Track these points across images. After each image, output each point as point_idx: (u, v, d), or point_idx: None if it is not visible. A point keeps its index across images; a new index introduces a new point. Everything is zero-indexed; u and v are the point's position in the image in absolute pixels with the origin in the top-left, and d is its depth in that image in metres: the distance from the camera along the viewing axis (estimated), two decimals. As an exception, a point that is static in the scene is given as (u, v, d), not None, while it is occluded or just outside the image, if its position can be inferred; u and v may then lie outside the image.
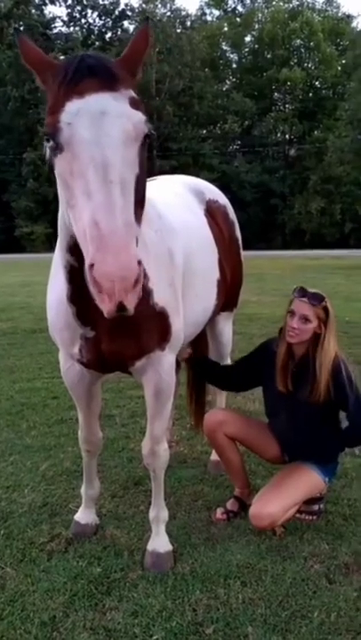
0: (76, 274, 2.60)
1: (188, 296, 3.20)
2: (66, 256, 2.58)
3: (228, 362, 4.44)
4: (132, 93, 2.11)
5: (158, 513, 3.41)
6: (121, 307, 1.87)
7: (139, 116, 2.06)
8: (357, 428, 3.52)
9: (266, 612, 2.91)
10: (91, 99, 2.00)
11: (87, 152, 1.94)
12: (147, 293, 2.76)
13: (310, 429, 3.59)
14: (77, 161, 1.95)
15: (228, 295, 4.09)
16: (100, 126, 1.96)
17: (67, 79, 2.05)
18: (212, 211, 3.94)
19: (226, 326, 4.37)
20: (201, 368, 4.22)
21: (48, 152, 2.09)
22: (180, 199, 3.67)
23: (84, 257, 1.96)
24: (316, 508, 3.80)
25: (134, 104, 2.08)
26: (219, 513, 3.82)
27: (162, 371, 3.02)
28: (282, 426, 3.78)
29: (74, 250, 2.47)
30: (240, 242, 4.35)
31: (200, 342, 4.48)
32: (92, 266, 1.87)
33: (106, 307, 1.89)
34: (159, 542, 3.36)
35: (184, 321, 3.14)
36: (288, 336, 3.49)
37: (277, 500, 3.45)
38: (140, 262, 1.89)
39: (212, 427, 3.81)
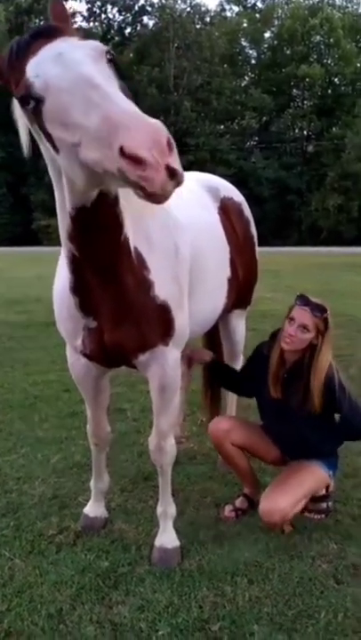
0: (77, 263, 2.61)
1: (195, 293, 3.19)
2: (67, 244, 2.57)
3: (241, 359, 4.43)
4: (78, 38, 2.13)
5: (166, 509, 3.42)
6: (171, 171, 1.74)
7: (91, 41, 2.09)
8: (351, 430, 3.53)
9: (272, 610, 2.91)
10: (44, 50, 2.02)
11: (66, 80, 1.91)
12: (148, 284, 2.78)
13: (304, 434, 3.58)
14: (62, 93, 1.91)
15: (241, 293, 4.07)
16: (64, 60, 1.96)
17: (18, 53, 2.08)
18: (226, 208, 3.92)
19: (239, 324, 4.36)
20: (216, 372, 4.22)
21: (32, 125, 2.12)
22: (192, 196, 3.65)
23: (109, 167, 1.81)
24: (324, 506, 3.78)
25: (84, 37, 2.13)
26: (227, 510, 3.82)
27: (166, 366, 3.02)
28: (276, 430, 3.78)
29: (74, 236, 2.49)
30: (255, 239, 4.32)
31: (213, 340, 4.49)
32: (122, 150, 1.73)
33: (157, 179, 1.73)
34: (167, 538, 3.37)
35: (191, 318, 3.13)
36: (284, 342, 3.47)
37: (285, 496, 3.44)
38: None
39: (219, 437, 3.80)
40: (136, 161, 1.71)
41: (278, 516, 3.41)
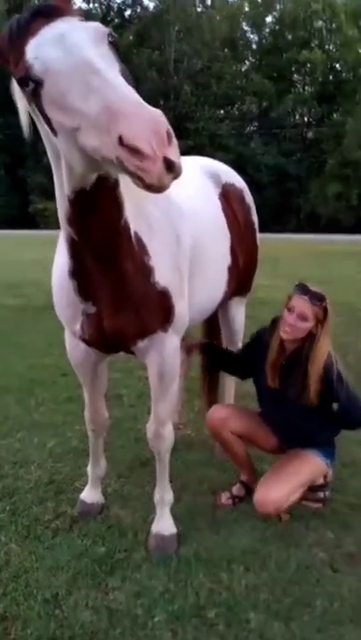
0: (77, 247, 2.58)
1: (195, 281, 3.17)
2: (67, 228, 2.54)
3: (240, 346, 4.41)
4: (79, 18, 2.08)
5: (163, 495, 3.41)
6: (169, 163, 1.73)
7: (93, 23, 2.04)
8: (348, 420, 3.52)
9: (269, 598, 2.91)
10: (44, 31, 1.97)
11: (66, 63, 1.87)
12: (147, 270, 2.76)
13: (301, 423, 3.57)
14: (61, 77, 1.88)
15: (241, 280, 4.04)
16: (64, 42, 1.91)
17: (18, 33, 2.03)
18: (227, 194, 3.88)
19: (238, 312, 4.33)
20: (212, 354, 4.20)
21: (31, 107, 2.09)
22: (193, 182, 3.60)
23: (107, 155, 1.79)
24: (321, 495, 3.79)
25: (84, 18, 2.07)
26: (224, 498, 3.82)
27: (165, 353, 3.00)
28: (274, 419, 3.77)
29: (73, 220, 2.46)
30: (256, 226, 4.28)
31: (212, 327, 4.47)
32: (120, 140, 1.71)
33: (155, 171, 1.72)
34: (164, 525, 3.37)
35: (190, 305, 3.11)
36: (283, 331, 3.45)
37: (281, 486, 3.44)
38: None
39: (217, 426, 3.79)
40: (134, 151, 1.69)
41: (272, 507, 3.41)
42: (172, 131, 1.76)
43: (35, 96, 1.97)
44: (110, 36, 2.02)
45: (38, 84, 1.92)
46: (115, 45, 2.04)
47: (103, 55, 1.93)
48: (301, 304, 3.38)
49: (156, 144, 1.69)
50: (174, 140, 1.77)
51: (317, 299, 3.39)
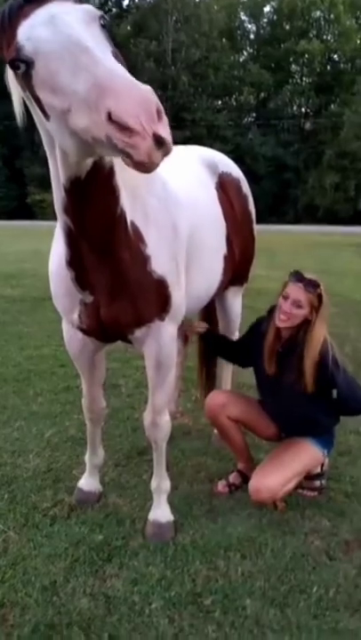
0: (73, 236, 2.58)
1: (191, 270, 3.18)
2: (63, 217, 2.53)
3: (237, 336, 4.43)
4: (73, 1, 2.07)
5: (160, 483, 3.43)
6: (159, 139, 1.72)
7: (85, 5, 2.03)
8: (348, 405, 3.53)
9: (265, 585, 2.94)
10: (36, 13, 1.97)
11: (56, 43, 1.87)
12: (144, 259, 2.77)
13: (299, 410, 3.59)
14: (51, 56, 1.87)
15: (238, 270, 4.05)
16: (55, 23, 1.91)
17: (10, 16, 2.02)
18: (224, 184, 3.88)
19: (235, 301, 4.35)
20: (212, 342, 4.22)
21: (24, 92, 2.09)
22: (189, 171, 3.61)
23: (97, 134, 1.79)
24: (317, 483, 3.81)
25: (78, 2, 2.06)
26: (220, 486, 3.84)
27: (162, 341, 3.01)
28: (272, 406, 3.80)
29: (69, 209, 2.46)
30: (253, 216, 4.28)
31: (210, 317, 4.48)
32: (109, 117, 1.71)
33: (143, 147, 1.71)
34: (160, 512, 3.39)
35: (187, 294, 3.12)
36: (278, 319, 3.46)
37: (276, 474, 3.46)
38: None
39: (215, 410, 3.81)
40: (123, 128, 1.69)
41: (267, 494, 3.43)
42: (162, 107, 1.75)
43: (26, 79, 1.96)
44: (102, 19, 2.02)
45: (29, 65, 1.92)
46: (107, 28, 2.03)
47: (94, 35, 1.93)
48: (296, 291, 3.40)
49: (145, 120, 1.69)
50: (164, 117, 1.76)
51: (312, 286, 3.40)
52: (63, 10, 1.97)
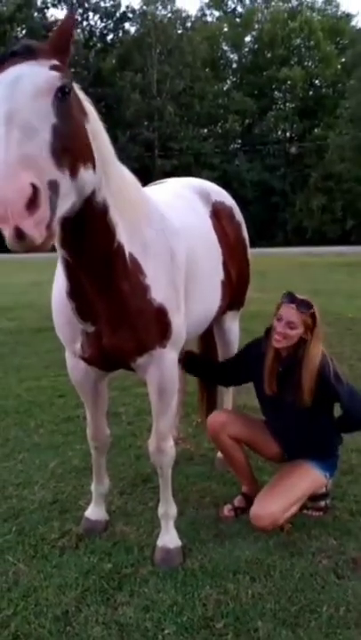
0: (72, 269, 2.67)
1: (190, 296, 3.24)
2: (60, 250, 2.62)
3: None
4: (55, 62, 2.14)
5: (167, 509, 3.45)
6: (19, 233, 1.84)
7: (52, 74, 2.09)
8: (354, 417, 3.56)
9: (275, 606, 2.95)
10: (9, 70, 2.07)
11: (1, 108, 1.97)
12: (143, 289, 2.84)
13: (302, 428, 3.64)
14: None
15: (234, 295, 4.12)
16: (14, 87, 2.01)
17: None
18: (217, 212, 3.97)
19: (233, 325, 4.41)
20: (192, 364, 4.18)
21: None
22: (184, 201, 3.71)
23: None
24: (322, 504, 3.83)
25: (54, 68, 2.12)
26: (226, 510, 3.86)
27: (164, 368, 3.06)
28: (275, 425, 3.84)
29: (64, 243, 2.54)
30: (247, 242, 4.37)
31: (208, 342, 4.54)
32: None
33: (6, 234, 1.86)
34: (169, 538, 3.40)
35: (186, 321, 3.19)
36: (274, 340, 3.52)
37: (277, 500, 3.48)
38: (36, 189, 1.86)
39: (216, 429, 3.85)
40: None
41: (268, 521, 3.44)
42: (41, 199, 1.87)
43: None
44: (62, 90, 2.09)
45: None
46: (68, 96, 2.12)
47: (38, 110, 2.01)
48: (289, 312, 3.47)
49: (12, 212, 1.81)
50: (40, 211, 1.87)
51: (305, 306, 3.48)
52: (28, 74, 2.05)
